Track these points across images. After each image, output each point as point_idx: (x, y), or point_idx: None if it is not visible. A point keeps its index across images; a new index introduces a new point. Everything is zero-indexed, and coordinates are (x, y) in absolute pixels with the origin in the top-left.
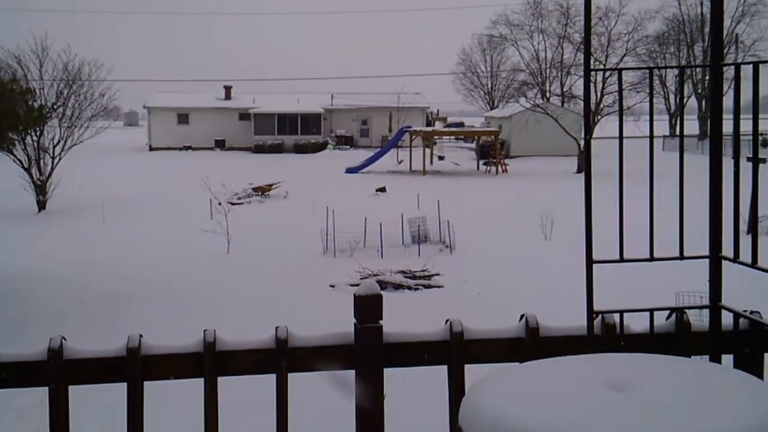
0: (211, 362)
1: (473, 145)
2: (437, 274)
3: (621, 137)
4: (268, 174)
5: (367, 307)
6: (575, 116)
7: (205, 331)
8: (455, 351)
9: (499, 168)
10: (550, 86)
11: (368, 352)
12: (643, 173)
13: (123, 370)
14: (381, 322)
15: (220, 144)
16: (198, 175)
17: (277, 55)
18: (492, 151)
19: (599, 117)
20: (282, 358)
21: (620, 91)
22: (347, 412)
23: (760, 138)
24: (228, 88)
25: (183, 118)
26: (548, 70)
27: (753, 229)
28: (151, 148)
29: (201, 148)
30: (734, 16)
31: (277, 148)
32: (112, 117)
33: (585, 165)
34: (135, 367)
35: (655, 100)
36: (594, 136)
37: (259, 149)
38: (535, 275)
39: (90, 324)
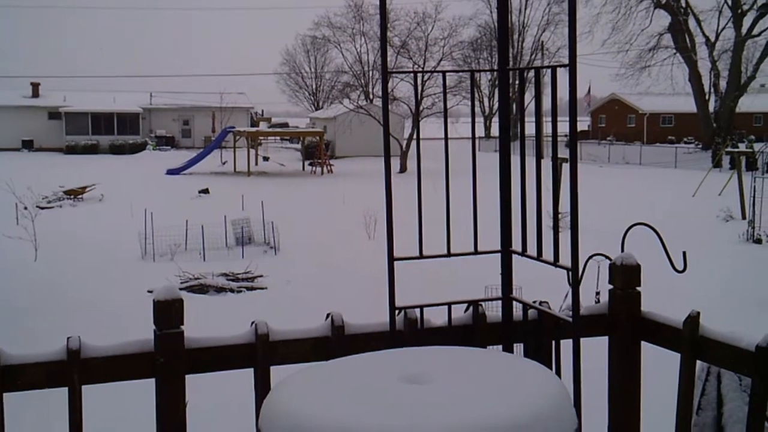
0: None
1: (299, 146)
2: (261, 276)
3: (446, 138)
4: (81, 176)
5: (167, 313)
6: (397, 117)
7: None
8: (261, 353)
9: (325, 168)
10: (372, 88)
11: (169, 359)
12: (459, 173)
13: None
14: (182, 327)
15: (28, 144)
16: (1, 177)
17: (91, 52)
18: (317, 151)
19: (420, 118)
20: (74, 370)
21: (445, 95)
22: (148, 421)
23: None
24: (35, 85)
25: None
26: (371, 72)
27: (553, 225)
28: None
29: (5, 149)
30: (540, 24)
31: (91, 149)
32: None
33: (385, 167)
34: None
35: (469, 103)
36: (414, 137)
37: (71, 150)
38: (358, 273)
39: None
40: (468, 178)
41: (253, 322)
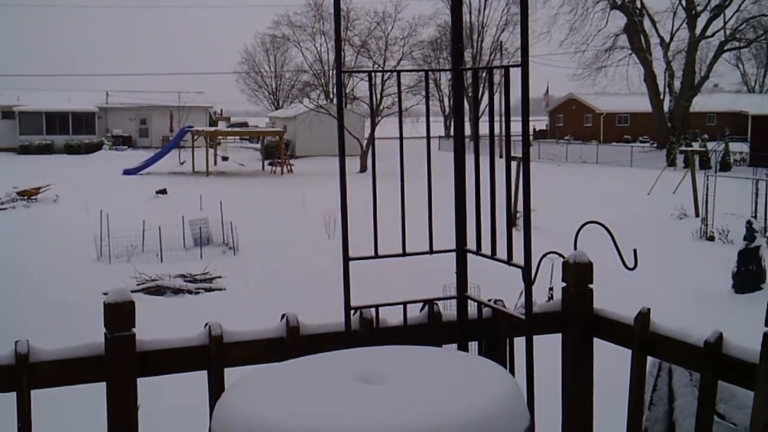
0: None
1: (258, 146)
2: (219, 277)
3: (401, 137)
4: (36, 176)
5: (118, 315)
6: (357, 117)
7: None
8: (214, 355)
9: (285, 168)
10: (333, 87)
11: (120, 362)
12: (418, 172)
13: None
14: (134, 329)
15: None
16: None
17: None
18: (277, 151)
19: (379, 118)
20: (23, 375)
21: (400, 94)
22: (101, 425)
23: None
24: None
25: None
26: (331, 72)
27: (506, 224)
28: None
29: None
30: (499, 24)
31: (46, 149)
32: None
33: (339, 167)
34: None
35: (431, 102)
36: (376, 136)
37: (25, 150)
38: (318, 273)
39: None
40: (438, 180)
41: (206, 324)
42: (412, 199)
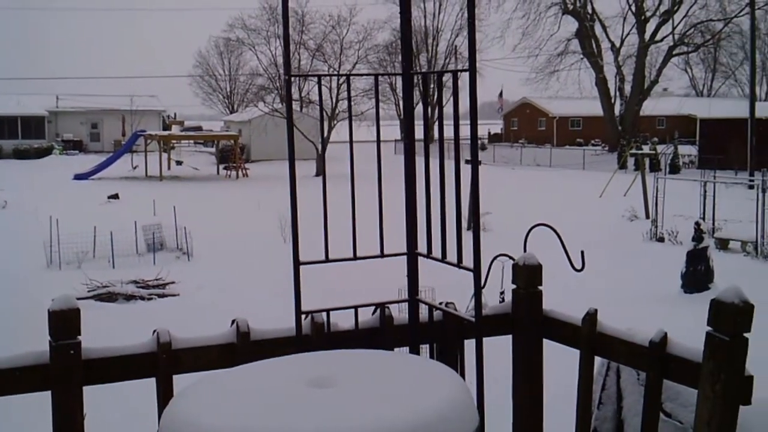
0: None
1: (213, 150)
2: (173, 282)
3: (351, 141)
4: None
5: (63, 323)
6: (313, 121)
7: None
8: (162, 362)
9: (240, 172)
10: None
11: (65, 371)
12: (375, 176)
13: None
14: (79, 337)
15: None
16: None
17: None
18: (232, 155)
19: (335, 122)
20: None
21: (349, 99)
22: None
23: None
24: None
25: None
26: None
27: (456, 227)
28: None
29: None
30: (454, 28)
31: None
32: None
33: (290, 173)
34: None
35: (386, 106)
36: (331, 140)
37: None
38: (272, 278)
39: None
40: (384, 182)
41: (154, 331)
42: (367, 203)
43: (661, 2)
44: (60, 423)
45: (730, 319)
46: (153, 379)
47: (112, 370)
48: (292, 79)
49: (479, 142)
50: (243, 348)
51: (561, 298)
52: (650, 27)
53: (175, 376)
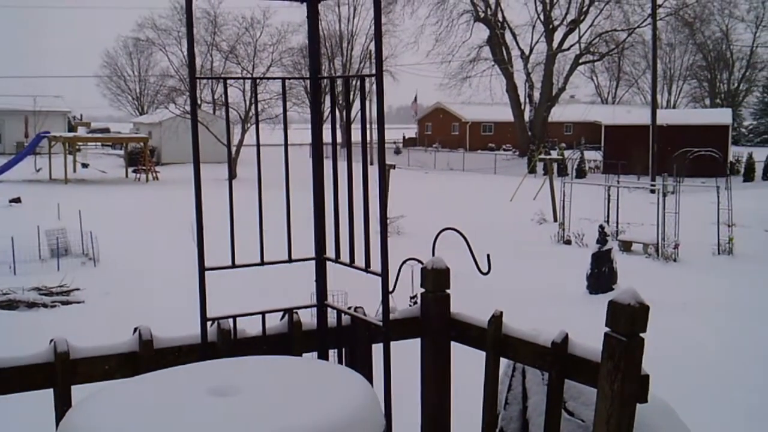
0: None
1: (122, 152)
2: (77, 289)
3: (258, 145)
4: None
5: None
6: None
7: None
8: (60, 373)
9: (150, 175)
10: (200, 93)
11: None
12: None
13: None
14: None
15: None
16: None
17: None
18: (142, 158)
19: (248, 125)
20: None
21: (256, 101)
22: None
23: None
24: None
25: None
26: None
27: (364, 231)
28: None
29: None
30: (368, 33)
31: None
32: None
33: (195, 177)
34: None
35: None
36: (244, 143)
37: None
38: (182, 284)
39: None
40: (297, 186)
41: (51, 340)
42: (281, 207)
43: (568, 12)
44: None
45: (626, 320)
46: (51, 391)
47: (8, 382)
48: (202, 81)
49: (395, 146)
50: (146, 357)
51: (469, 301)
52: (558, 36)
53: (74, 387)
